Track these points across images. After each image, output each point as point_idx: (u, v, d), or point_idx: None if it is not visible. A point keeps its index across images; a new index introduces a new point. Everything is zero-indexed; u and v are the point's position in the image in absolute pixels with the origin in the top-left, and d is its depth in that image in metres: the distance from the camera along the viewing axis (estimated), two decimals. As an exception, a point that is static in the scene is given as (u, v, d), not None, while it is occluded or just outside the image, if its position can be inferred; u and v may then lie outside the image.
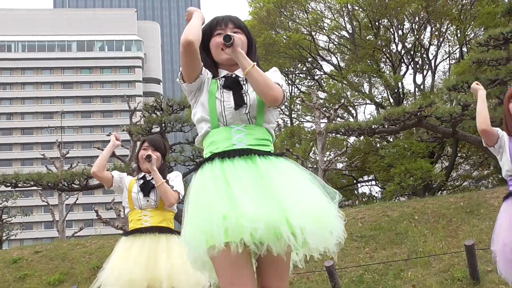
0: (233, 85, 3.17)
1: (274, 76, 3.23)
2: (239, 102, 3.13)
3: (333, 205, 3.03)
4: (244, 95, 3.15)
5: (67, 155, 27.65)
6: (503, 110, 4.64)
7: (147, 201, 5.25)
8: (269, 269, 3.05)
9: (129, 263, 5.03)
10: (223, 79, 3.21)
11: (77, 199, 28.34)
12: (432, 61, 31.72)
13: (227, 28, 3.23)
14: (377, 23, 30.58)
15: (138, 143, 20.48)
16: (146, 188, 5.27)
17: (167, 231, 5.23)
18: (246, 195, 2.84)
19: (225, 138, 3.11)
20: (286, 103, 3.07)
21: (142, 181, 5.32)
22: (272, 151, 3.17)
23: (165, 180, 5.17)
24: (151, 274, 4.99)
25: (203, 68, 3.21)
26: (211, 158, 3.06)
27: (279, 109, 3.30)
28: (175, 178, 5.33)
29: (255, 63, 3.07)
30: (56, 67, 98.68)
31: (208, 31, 3.27)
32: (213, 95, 3.17)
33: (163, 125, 17.64)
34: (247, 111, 3.12)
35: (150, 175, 5.28)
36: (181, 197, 5.26)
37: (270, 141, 3.21)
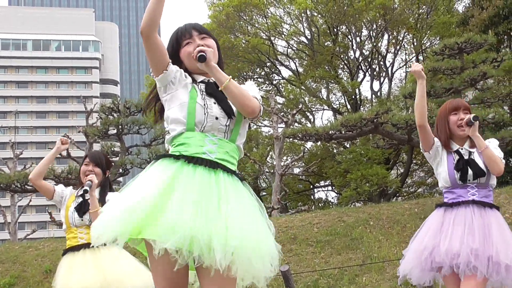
0: (216, 93, 3.16)
1: (251, 89, 3.25)
2: (230, 111, 3.15)
3: (271, 239, 3.04)
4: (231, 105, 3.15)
5: (21, 156, 27.17)
6: (439, 121, 4.67)
7: (82, 220, 5.32)
8: (205, 283, 2.99)
9: (77, 275, 5.10)
10: (203, 84, 3.22)
11: (30, 200, 27.79)
12: (389, 69, 32.13)
13: (193, 37, 3.24)
14: (335, 30, 30.80)
15: (94, 145, 20.22)
16: (82, 210, 5.32)
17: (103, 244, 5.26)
18: (181, 204, 2.84)
19: (198, 144, 3.09)
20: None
21: (80, 199, 5.36)
22: (236, 170, 3.15)
23: (100, 208, 5.21)
24: (102, 282, 5.06)
25: (173, 67, 3.20)
26: (177, 157, 3.05)
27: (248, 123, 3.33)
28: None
29: (231, 77, 3.07)
30: (10, 66, 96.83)
31: (175, 43, 3.28)
32: (194, 99, 3.16)
33: (120, 127, 17.48)
34: (227, 123, 3.14)
35: (88, 195, 5.29)
36: None
37: (237, 159, 3.21)
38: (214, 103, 3.15)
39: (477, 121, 4.39)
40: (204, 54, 3.06)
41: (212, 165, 3.02)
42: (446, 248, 4.26)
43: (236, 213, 2.90)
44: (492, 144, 4.52)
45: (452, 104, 4.60)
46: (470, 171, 4.42)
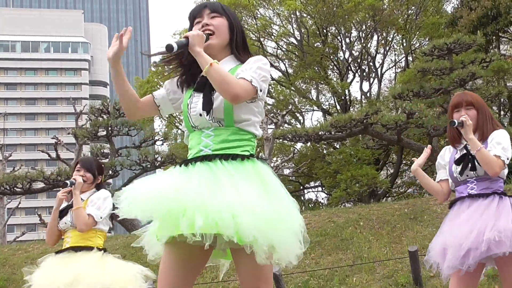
0: (203, 87, 3.10)
1: (247, 68, 3.07)
2: (206, 107, 3.05)
3: (286, 220, 2.90)
4: (213, 97, 3.06)
5: (10, 158, 27.03)
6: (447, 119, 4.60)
7: (65, 223, 5.35)
8: (240, 269, 3.01)
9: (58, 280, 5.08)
10: (197, 82, 3.17)
11: (19, 203, 27.68)
12: (379, 69, 32.20)
13: (203, 16, 3.18)
14: (325, 31, 30.85)
15: (83, 147, 20.13)
16: (63, 211, 5.37)
17: (87, 249, 5.28)
18: (192, 194, 2.82)
19: (196, 143, 3.09)
20: (261, 95, 2.91)
21: (66, 203, 5.40)
22: (248, 152, 3.09)
23: (81, 206, 5.22)
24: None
25: (161, 93, 3.33)
26: (182, 163, 3.08)
27: (259, 102, 3.14)
28: (97, 200, 5.36)
29: (214, 62, 2.94)
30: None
31: (190, 24, 3.25)
32: (186, 100, 3.18)
33: (110, 128, 17.41)
34: (212, 117, 3.05)
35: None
36: (97, 221, 5.28)
37: (246, 139, 3.10)
38: (202, 98, 3.10)
39: (468, 123, 4.23)
40: (172, 45, 2.91)
41: (208, 158, 2.98)
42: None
43: (239, 197, 2.84)
44: (493, 142, 4.32)
45: (453, 102, 4.47)
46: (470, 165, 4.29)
